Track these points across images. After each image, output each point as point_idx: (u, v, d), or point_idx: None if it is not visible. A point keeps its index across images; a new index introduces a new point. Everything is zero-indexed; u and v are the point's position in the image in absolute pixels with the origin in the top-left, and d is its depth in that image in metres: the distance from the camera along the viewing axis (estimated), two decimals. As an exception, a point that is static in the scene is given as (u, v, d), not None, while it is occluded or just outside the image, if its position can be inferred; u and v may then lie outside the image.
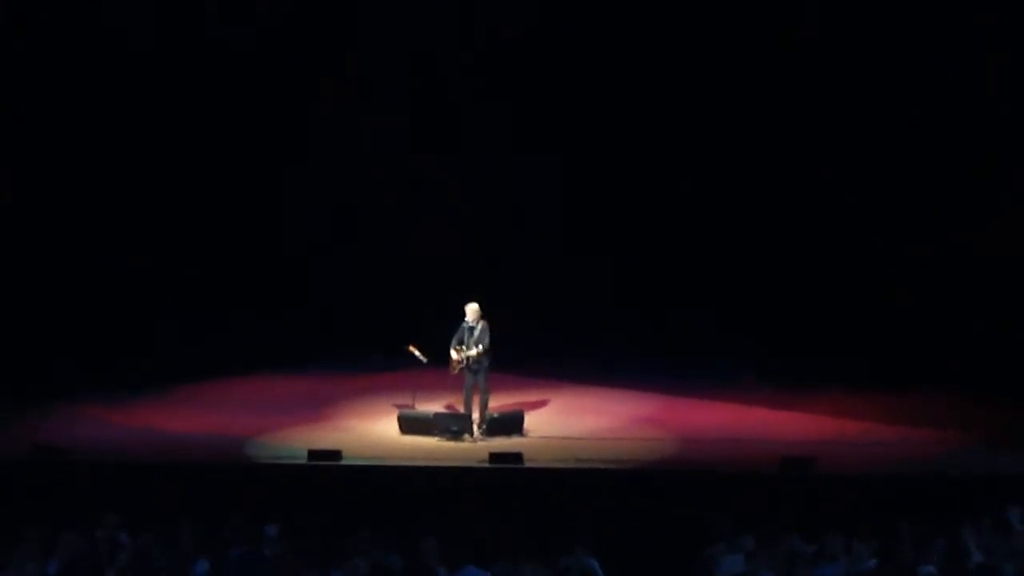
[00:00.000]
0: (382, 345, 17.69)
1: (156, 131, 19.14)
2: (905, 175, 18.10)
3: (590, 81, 19.31)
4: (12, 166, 18.55)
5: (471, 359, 15.08)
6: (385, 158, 19.93)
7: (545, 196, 19.78)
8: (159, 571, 9.29)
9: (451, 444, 14.85)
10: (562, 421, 15.98)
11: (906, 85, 17.96)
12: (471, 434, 15.04)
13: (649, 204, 19.41)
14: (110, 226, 19.05)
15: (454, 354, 15.19)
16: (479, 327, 15.15)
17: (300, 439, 14.88)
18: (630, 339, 18.74)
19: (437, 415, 15.43)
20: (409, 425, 15.30)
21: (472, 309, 15.23)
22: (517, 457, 13.74)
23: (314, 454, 13.92)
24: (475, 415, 15.21)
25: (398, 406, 15.91)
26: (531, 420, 15.66)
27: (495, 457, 13.73)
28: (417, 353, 15.71)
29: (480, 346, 15.02)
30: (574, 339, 19.01)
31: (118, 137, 19.00)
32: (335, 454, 13.90)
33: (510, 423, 15.30)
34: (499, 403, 15.94)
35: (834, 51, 18.20)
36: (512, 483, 13.31)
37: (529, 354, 17.82)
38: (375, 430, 15.66)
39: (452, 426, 15.06)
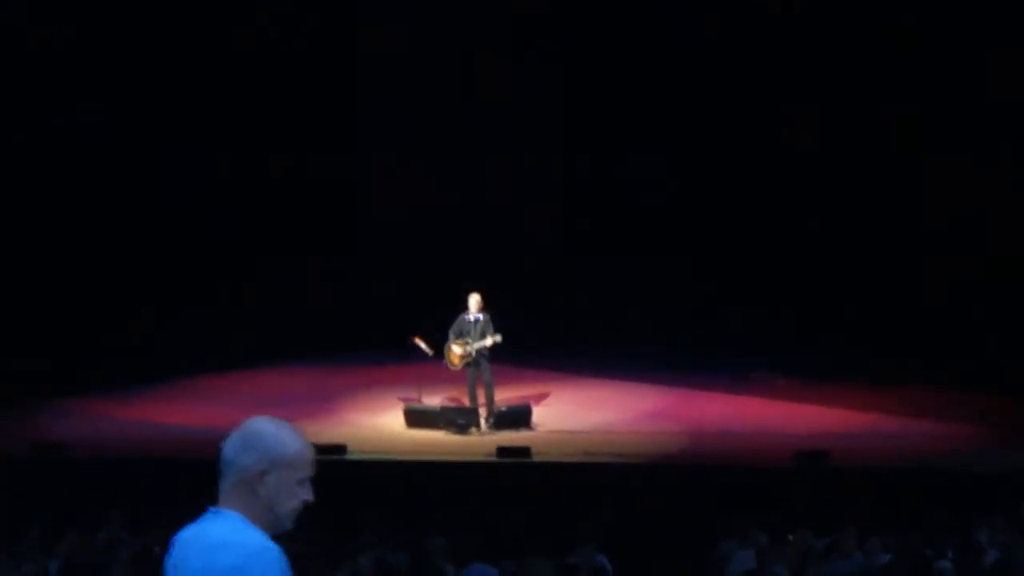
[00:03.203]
0: (387, 338, 17.58)
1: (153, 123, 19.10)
2: (911, 173, 18.02)
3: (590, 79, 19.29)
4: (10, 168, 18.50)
5: (481, 351, 14.91)
6: (388, 157, 19.91)
7: (551, 190, 19.72)
8: (161, 568, 9.16)
9: (458, 438, 14.73)
10: (571, 415, 15.87)
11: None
12: (478, 427, 14.92)
13: (660, 197, 19.32)
14: (106, 220, 18.97)
15: (458, 348, 15.02)
16: (484, 318, 15.01)
17: (305, 433, 14.65)
18: (641, 332, 18.64)
19: (443, 408, 15.32)
20: (415, 419, 15.19)
21: (475, 300, 15.08)
22: (525, 451, 13.62)
23: (319, 448, 13.75)
24: (481, 408, 15.08)
25: (404, 399, 15.81)
26: (539, 414, 15.54)
27: (503, 451, 13.62)
28: (423, 345, 15.57)
29: (491, 337, 14.83)
30: (584, 332, 18.93)
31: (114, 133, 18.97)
32: (340, 448, 13.79)
33: (518, 417, 15.18)
34: (507, 396, 15.83)
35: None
36: (520, 478, 13.21)
37: (537, 347, 17.73)
38: (381, 424, 15.57)
39: (459, 419, 14.94)
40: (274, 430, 3.75)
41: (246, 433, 3.72)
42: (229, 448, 3.70)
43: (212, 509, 3.67)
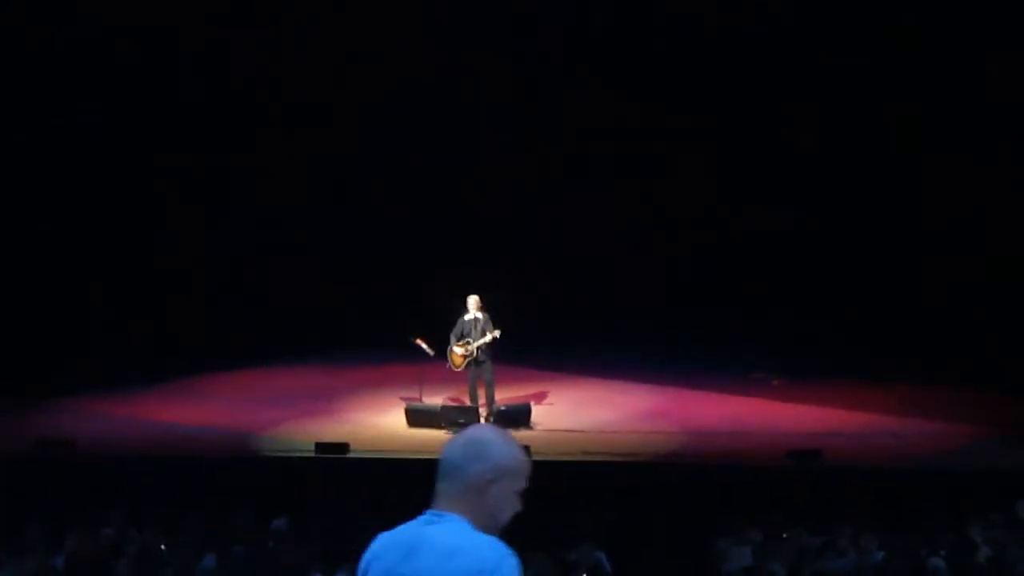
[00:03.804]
0: (388, 338, 17.65)
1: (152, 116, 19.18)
2: (911, 173, 18.08)
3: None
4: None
5: (481, 348, 15.02)
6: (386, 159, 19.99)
7: (550, 191, 19.77)
8: (166, 565, 9.28)
9: (459, 437, 14.79)
10: (569, 414, 15.96)
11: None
12: (478, 427, 14.99)
13: (660, 198, 19.36)
14: (107, 219, 19.05)
15: (459, 349, 15.13)
16: (483, 318, 15.12)
17: (307, 432, 14.89)
18: (638, 333, 18.71)
19: (444, 407, 15.42)
20: (416, 417, 15.29)
21: (473, 301, 15.20)
22: (524, 450, 13.69)
23: (322, 447, 13.94)
24: (482, 408, 15.19)
25: (405, 399, 15.91)
26: (538, 413, 15.64)
27: (502, 450, 13.68)
28: (424, 346, 15.68)
29: (490, 333, 14.93)
30: (583, 332, 19.00)
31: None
32: (342, 447, 13.91)
33: (517, 416, 15.28)
34: (506, 396, 15.93)
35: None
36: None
37: (537, 347, 17.81)
38: (382, 423, 15.67)
39: (459, 418, 15.03)
40: (502, 440, 3.81)
41: (475, 441, 3.80)
42: (457, 455, 3.76)
43: (434, 512, 3.72)
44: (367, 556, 3.74)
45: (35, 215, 18.66)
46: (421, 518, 3.72)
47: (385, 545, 3.73)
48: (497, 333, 14.94)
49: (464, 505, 3.70)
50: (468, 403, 15.38)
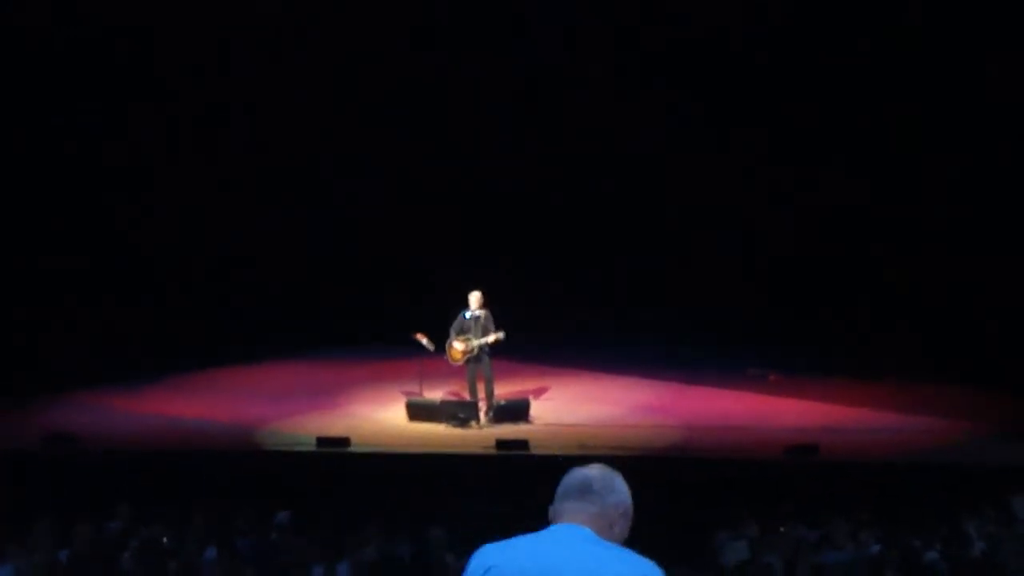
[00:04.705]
0: (389, 334, 17.74)
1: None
2: (911, 173, 18.14)
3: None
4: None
5: (483, 347, 15.11)
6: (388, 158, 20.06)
7: (547, 187, 19.84)
8: (169, 558, 9.38)
9: (458, 431, 14.93)
10: (567, 408, 16.05)
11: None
12: (478, 421, 15.13)
13: (658, 198, 19.43)
14: (110, 215, 19.10)
15: (459, 344, 15.22)
16: (483, 315, 15.21)
17: (309, 426, 14.98)
18: (637, 328, 18.79)
19: (444, 402, 15.52)
20: (416, 412, 15.39)
21: (476, 297, 15.29)
22: (523, 444, 13.82)
23: (323, 441, 14.04)
24: (481, 402, 15.30)
25: (405, 393, 16.02)
26: (537, 408, 15.74)
27: (502, 444, 13.83)
28: (424, 341, 15.79)
29: (495, 334, 15.03)
30: (581, 328, 19.09)
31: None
32: (344, 441, 14.01)
33: (516, 410, 15.38)
34: (505, 391, 16.04)
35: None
36: (518, 470, 13.38)
37: (536, 343, 17.90)
38: (383, 417, 15.76)
39: (459, 413, 15.15)
40: (626, 485, 3.87)
41: (608, 475, 3.84)
42: (592, 482, 3.80)
43: (569, 526, 3.72)
44: (477, 569, 3.72)
45: (35, 215, 18.70)
46: (552, 528, 3.73)
47: (504, 555, 3.71)
48: (501, 335, 15.02)
49: (593, 527, 3.73)
50: (467, 398, 15.49)
